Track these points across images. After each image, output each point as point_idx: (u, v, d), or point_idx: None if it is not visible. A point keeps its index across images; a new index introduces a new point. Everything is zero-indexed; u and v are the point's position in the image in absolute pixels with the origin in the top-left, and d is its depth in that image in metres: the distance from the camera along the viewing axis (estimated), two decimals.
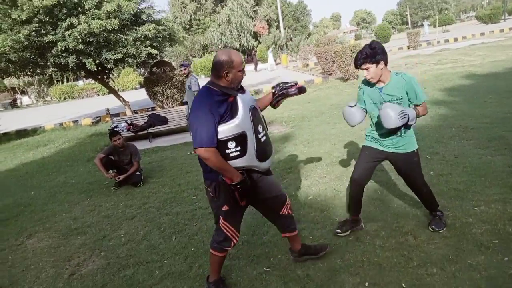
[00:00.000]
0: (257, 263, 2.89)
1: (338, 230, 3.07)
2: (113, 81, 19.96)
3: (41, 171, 7.13)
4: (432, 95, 8.00)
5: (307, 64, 22.87)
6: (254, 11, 47.48)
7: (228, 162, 2.21)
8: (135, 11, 9.99)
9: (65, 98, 32.15)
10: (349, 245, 2.92)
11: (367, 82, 2.78)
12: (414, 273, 2.46)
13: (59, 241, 3.81)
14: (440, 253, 2.62)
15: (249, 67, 32.87)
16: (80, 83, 36.31)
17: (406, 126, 2.65)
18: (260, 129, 2.34)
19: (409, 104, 2.66)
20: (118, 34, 9.89)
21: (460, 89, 8.47)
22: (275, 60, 33.72)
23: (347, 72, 13.00)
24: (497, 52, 14.19)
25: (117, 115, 13.20)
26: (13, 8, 8.67)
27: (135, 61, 10.59)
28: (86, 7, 9.13)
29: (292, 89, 2.50)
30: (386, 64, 2.65)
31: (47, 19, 9.09)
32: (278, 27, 38.90)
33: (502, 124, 5.32)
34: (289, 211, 2.65)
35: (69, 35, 8.90)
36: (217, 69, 2.25)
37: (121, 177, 5.17)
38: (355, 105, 2.84)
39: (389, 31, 35.55)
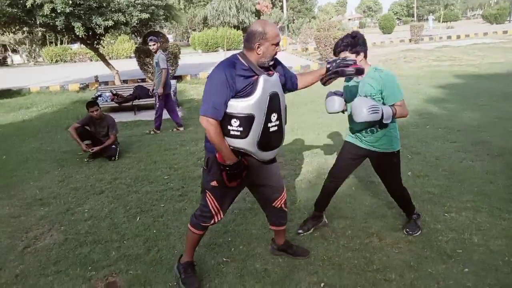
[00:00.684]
0: (217, 252, 2.81)
1: (300, 230, 2.98)
2: (103, 47, 19.41)
3: (17, 134, 6.94)
4: (425, 92, 7.88)
5: (306, 49, 22.51)
6: None
7: (227, 138, 2.10)
8: None
9: (57, 61, 31.36)
10: (313, 242, 2.84)
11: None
12: (372, 277, 2.40)
13: (20, 211, 3.69)
14: (402, 259, 2.55)
15: None
16: (75, 46, 35.39)
17: (381, 124, 2.53)
18: (273, 118, 2.16)
19: (383, 103, 2.51)
20: None
21: (454, 88, 8.35)
22: None
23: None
24: (497, 53, 14.03)
25: (105, 83, 12.91)
26: None
27: (127, 28, 10.25)
28: None
29: (350, 68, 2.24)
30: (365, 56, 2.53)
31: None
32: (282, 7, 38.09)
33: (489, 128, 5.25)
34: (283, 205, 2.53)
35: None
36: (249, 40, 2.10)
37: (95, 149, 5.02)
38: (341, 94, 2.68)
39: (393, 22, 35.01)
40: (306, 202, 3.52)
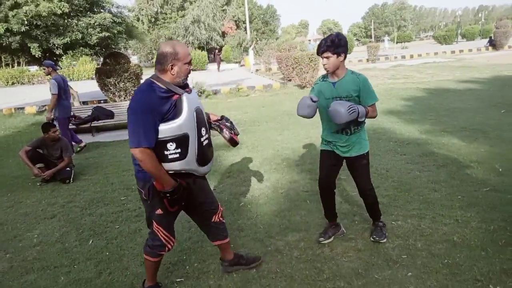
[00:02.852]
0: (172, 271, 2.78)
1: (321, 238, 2.99)
2: (61, 68, 18.93)
3: None
4: (380, 109, 8.26)
5: (270, 68, 23.00)
6: (223, 10, 47.29)
7: (166, 164, 2.08)
8: None
9: (13, 83, 30.06)
10: (267, 256, 2.88)
11: (322, 78, 2.81)
12: (322, 286, 2.46)
13: None
14: (351, 267, 2.65)
15: (212, 67, 32.61)
16: (34, 68, 34.22)
17: (356, 123, 2.67)
18: (203, 132, 2.22)
19: (359, 103, 2.66)
20: (69, 19, 9.39)
21: (406, 104, 8.83)
22: (239, 62, 33.73)
23: (305, 80, 13.19)
24: (445, 71, 15.01)
25: None
26: None
27: (85, 49, 10.10)
28: None
29: (227, 133, 2.49)
30: (345, 58, 2.65)
31: None
32: (246, 28, 38.93)
33: (436, 141, 5.58)
34: (221, 218, 2.56)
35: (13, 16, 8.31)
36: (161, 62, 2.08)
37: (47, 172, 4.85)
38: (316, 101, 2.71)
39: (351, 43, 36.66)
40: (262, 217, 3.57)
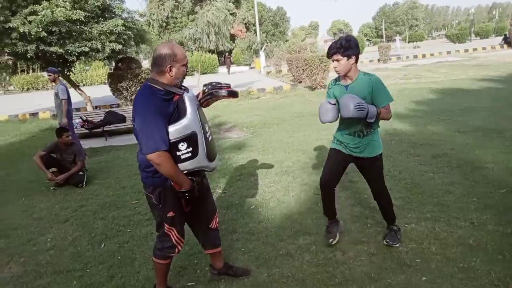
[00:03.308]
0: (182, 275, 2.78)
1: (331, 240, 2.95)
2: (74, 74, 19.22)
3: None
4: (392, 109, 8.17)
5: (280, 70, 23.00)
6: (232, 13, 47.49)
7: (179, 164, 2.08)
8: (103, 2, 9.67)
9: (28, 89, 30.78)
10: (278, 259, 2.86)
11: (334, 82, 2.78)
12: None
13: None
14: (364, 271, 2.60)
15: (223, 70, 32.74)
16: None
17: (368, 125, 2.65)
18: (207, 128, 2.24)
19: (374, 104, 2.62)
20: (82, 26, 9.54)
21: (418, 104, 8.70)
22: (249, 65, 33.80)
23: (315, 81, 13.14)
24: (458, 70, 14.77)
25: (77, 109, 12.74)
26: None
27: (98, 55, 10.24)
28: None
29: (223, 91, 2.36)
30: (357, 60, 2.62)
31: (6, 4, 8.62)
32: (256, 31, 39.02)
33: (449, 142, 5.47)
34: (217, 225, 2.56)
35: (30, 22, 8.48)
36: (159, 64, 2.08)
37: (60, 177, 4.92)
38: (335, 104, 2.70)
39: (362, 44, 36.46)
40: (273, 220, 3.55)
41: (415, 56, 25.21)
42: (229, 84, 2.47)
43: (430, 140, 5.64)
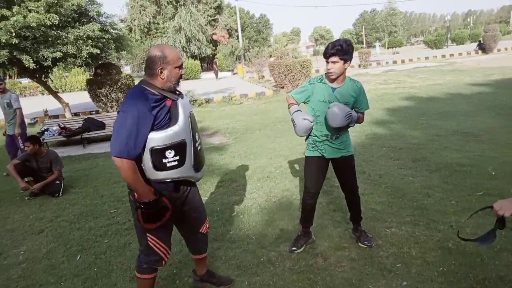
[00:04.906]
0: (161, 287, 2.71)
1: (294, 248, 2.96)
2: (51, 80, 18.78)
3: None
4: (371, 114, 8.27)
5: (263, 76, 23.05)
6: (214, 19, 47.49)
7: (164, 172, 2.00)
8: (79, 6, 9.47)
9: None
10: (259, 267, 2.82)
11: (320, 80, 2.74)
12: None
13: None
14: (345, 277, 2.59)
15: (206, 75, 32.63)
16: (25, 80, 34.02)
17: (346, 128, 2.74)
18: (197, 137, 2.18)
19: (353, 108, 2.72)
20: (58, 31, 9.33)
21: (398, 109, 8.85)
22: (232, 70, 33.80)
23: (297, 87, 13.21)
24: (436, 76, 15.12)
25: (56, 116, 12.46)
26: None
27: (76, 60, 10.02)
28: None
29: None
30: (348, 65, 2.64)
31: None
32: (238, 37, 39.10)
33: (428, 145, 5.56)
34: (208, 230, 2.50)
35: (0, 28, 8.22)
36: (150, 66, 2.01)
37: (36, 186, 4.76)
38: (312, 121, 2.70)
39: None
40: (255, 227, 3.51)
41: (395, 62, 25.71)
42: None
43: (409, 144, 5.73)
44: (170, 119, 2.02)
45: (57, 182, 4.94)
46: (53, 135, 8.17)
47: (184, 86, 13.09)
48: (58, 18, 8.71)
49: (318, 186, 2.93)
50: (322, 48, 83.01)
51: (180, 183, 2.15)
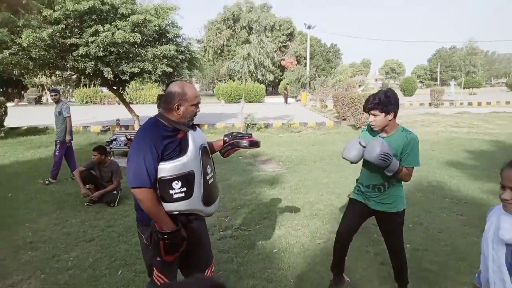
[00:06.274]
0: None
1: None
2: (127, 93, 20.32)
3: (29, 172, 7.14)
4: (437, 159, 7.73)
5: (326, 106, 22.86)
6: (285, 45, 48.59)
7: (171, 204, 2.02)
8: (160, 27, 10.26)
9: (86, 102, 33.04)
10: None
11: (371, 129, 2.68)
12: None
13: (7, 254, 3.69)
14: None
15: (272, 100, 33.18)
16: (105, 89, 37.37)
17: (386, 178, 2.55)
18: (209, 170, 2.18)
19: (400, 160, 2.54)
20: (139, 49, 10.17)
21: (467, 157, 8.16)
22: (296, 97, 33.99)
23: (360, 121, 12.87)
24: None
25: (126, 127, 13.38)
26: (45, 7, 9.03)
27: (151, 76, 10.79)
28: (116, 15, 9.47)
29: (244, 141, 2.36)
30: (395, 116, 2.54)
31: (76, 24, 9.43)
32: (306, 64, 39.48)
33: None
34: (212, 274, 2.41)
35: (92, 42, 9.17)
36: (168, 101, 2.08)
37: (95, 194, 5.08)
38: (365, 146, 2.55)
39: (414, 85, 35.48)
40: (294, 268, 3.37)
41: (470, 103, 24.04)
42: (251, 134, 2.47)
43: (477, 199, 5.21)
44: (180, 150, 2.04)
45: (115, 192, 5.23)
46: (120, 145, 8.75)
47: (246, 109, 13.39)
48: (140, 37, 9.50)
49: (350, 230, 2.78)
50: (392, 82, 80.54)
51: (189, 216, 2.12)
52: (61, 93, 7.00)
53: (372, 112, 2.50)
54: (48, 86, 37.84)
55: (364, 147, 2.54)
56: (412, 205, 4.92)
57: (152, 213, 2.00)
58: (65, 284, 3.13)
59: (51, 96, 6.79)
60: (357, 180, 2.85)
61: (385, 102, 2.46)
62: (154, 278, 2.20)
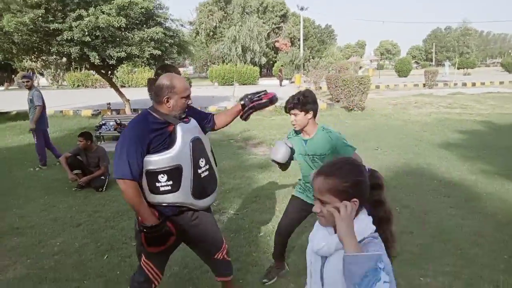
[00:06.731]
0: None
1: (265, 280, 2.91)
2: (117, 77, 20.09)
3: (18, 158, 7.08)
4: (428, 140, 7.75)
5: (320, 87, 22.72)
6: (278, 27, 47.93)
7: (159, 196, 2.03)
8: (147, 9, 10.02)
9: (78, 86, 32.60)
10: None
11: (294, 133, 2.76)
12: None
13: None
14: None
15: (266, 82, 32.95)
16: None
17: None
18: (202, 163, 2.15)
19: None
20: (126, 32, 9.95)
21: (458, 138, 8.19)
22: (290, 79, 33.78)
23: (352, 103, 12.82)
24: (508, 103, 13.84)
25: (117, 111, 13.24)
26: None
27: (138, 60, 10.61)
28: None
29: (263, 100, 2.33)
30: (315, 116, 2.60)
31: (58, 7, 9.18)
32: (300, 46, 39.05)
33: (486, 184, 5.05)
34: (225, 256, 2.42)
35: (76, 26, 8.95)
36: (158, 94, 2.07)
37: (82, 179, 5.05)
38: (291, 147, 2.62)
39: (409, 66, 35.32)
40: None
41: (464, 84, 23.99)
42: (265, 90, 2.46)
43: (465, 180, 5.25)
44: (169, 143, 2.03)
45: (102, 177, 5.20)
46: (109, 130, 8.67)
47: (239, 91, 13.26)
48: (126, 21, 9.28)
49: (288, 228, 2.87)
50: (387, 63, 79.91)
51: (182, 208, 2.12)
52: (34, 79, 6.84)
53: (292, 112, 2.56)
54: (38, 70, 37.25)
55: (291, 148, 2.61)
56: (400, 188, 4.96)
57: (133, 205, 2.01)
58: (50, 269, 3.13)
59: (23, 82, 6.61)
60: (299, 179, 2.93)
61: (303, 101, 2.53)
62: (142, 264, 2.22)
